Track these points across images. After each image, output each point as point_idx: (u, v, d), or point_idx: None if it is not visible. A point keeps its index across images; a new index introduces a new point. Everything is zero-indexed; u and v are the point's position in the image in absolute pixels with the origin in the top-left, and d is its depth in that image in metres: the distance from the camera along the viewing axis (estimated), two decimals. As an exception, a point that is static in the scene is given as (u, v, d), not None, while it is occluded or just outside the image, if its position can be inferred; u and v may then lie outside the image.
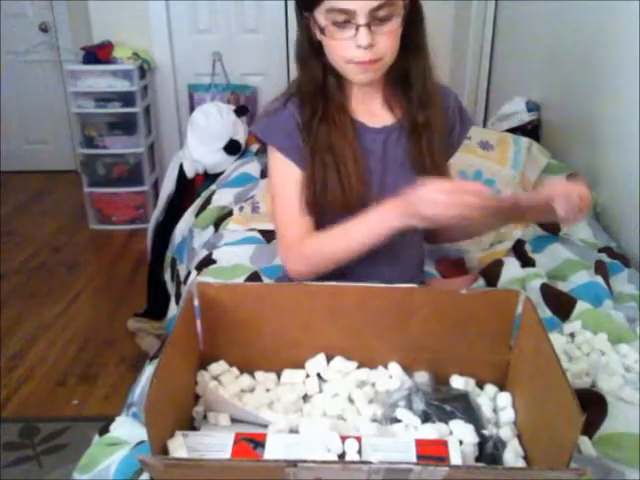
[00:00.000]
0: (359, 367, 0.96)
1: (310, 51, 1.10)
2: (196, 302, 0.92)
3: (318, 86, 1.11)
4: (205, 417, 0.90)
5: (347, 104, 1.15)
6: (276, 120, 1.15)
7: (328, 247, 1.12)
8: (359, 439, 0.77)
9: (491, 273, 1.46)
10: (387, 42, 1.03)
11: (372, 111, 1.17)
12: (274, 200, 1.19)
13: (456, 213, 0.94)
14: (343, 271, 1.13)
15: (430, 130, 1.14)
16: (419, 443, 0.78)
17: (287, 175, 1.15)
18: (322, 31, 1.04)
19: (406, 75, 1.13)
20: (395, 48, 1.06)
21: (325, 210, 1.15)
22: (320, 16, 1.03)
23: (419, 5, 1.09)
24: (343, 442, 0.76)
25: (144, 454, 0.88)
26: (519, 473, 0.73)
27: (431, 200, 0.95)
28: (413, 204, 0.98)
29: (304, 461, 0.64)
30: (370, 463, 0.64)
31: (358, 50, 1.02)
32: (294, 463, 0.64)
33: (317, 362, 0.95)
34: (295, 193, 1.14)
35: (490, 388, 0.95)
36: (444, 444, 0.78)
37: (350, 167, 1.11)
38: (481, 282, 1.48)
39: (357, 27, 0.99)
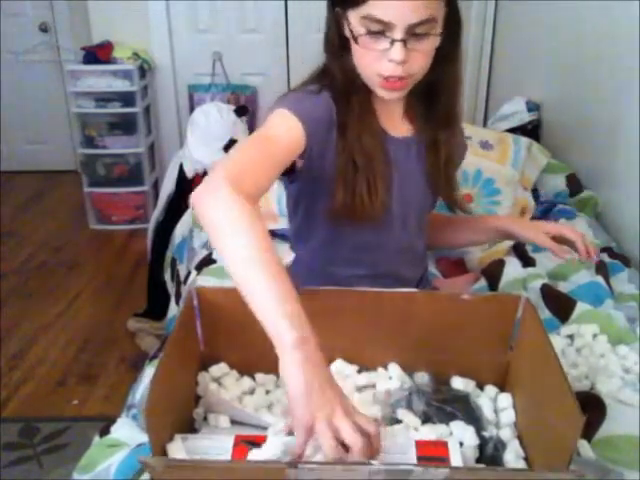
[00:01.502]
0: (360, 371, 0.96)
1: (341, 46, 1.03)
2: (195, 303, 0.92)
3: (351, 82, 1.04)
4: (205, 418, 0.90)
5: (374, 104, 1.09)
6: (311, 100, 1.03)
7: (226, 236, 0.81)
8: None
9: (492, 273, 1.47)
10: (420, 60, 0.97)
11: (393, 120, 1.13)
12: (242, 143, 1.04)
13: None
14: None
15: (450, 147, 1.12)
16: (419, 444, 0.78)
17: (289, 130, 0.97)
18: (354, 37, 0.97)
19: (433, 88, 1.07)
20: (427, 66, 1.00)
21: (344, 218, 1.08)
22: (354, 19, 0.96)
23: (459, 18, 1.03)
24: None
25: (144, 455, 0.88)
26: (519, 474, 0.73)
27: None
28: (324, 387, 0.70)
29: (305, 462, 0.64)
30: (370, 464, 0.64)
31: (389, 64, 0.95)
32: (295, 464, 0.64)
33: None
34: (277, 142, 0.94)
35: (490, 389, 0.95)
36: (444, 445, 0.78)
37: (379, 172, 1.06)
38: (482, 281, 1.48)
39: (392, 41, 0.93)
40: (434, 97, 1.09)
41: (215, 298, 0.93)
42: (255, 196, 0.87)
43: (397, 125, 1.13)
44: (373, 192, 1.05)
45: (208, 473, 0.68)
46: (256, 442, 0.77)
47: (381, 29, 0.94)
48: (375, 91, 1.03)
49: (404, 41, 0.93)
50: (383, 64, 0.96)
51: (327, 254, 1.19)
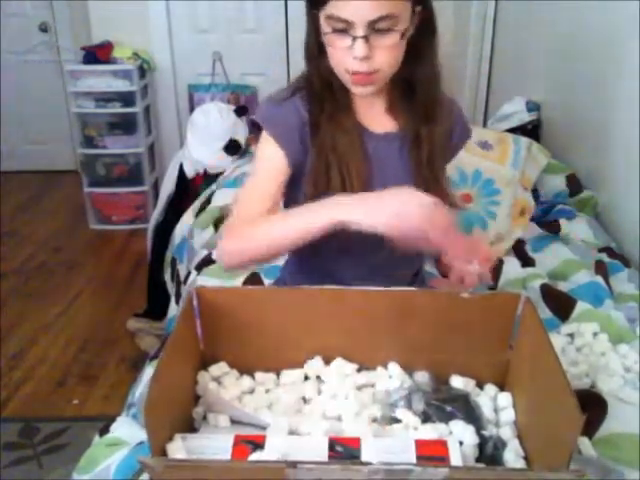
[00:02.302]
0: (359, 370, 0.96)
1: (318, 47, 1.07)
2: (195, 303, 0.92)
3: (326, 83, 1.09)
4: (205, 418, 0.90)
5: (352, 105, 1.12)
6: (280, 110, 1.12)
7: (263, 229, 1.03)
8: (358, 440, 0.77)
9: (492, 273, 1.47)
10: (385, 55, 1.00)
11: (375, 116, 1.14)
12: (247, 179, 1.15)
13: (423, 229, 0.89)
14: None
15: (432, 143, 1.12)
16: (419, 444, 0.78)
17: (271, 161, 1.09)
18: (320, 35, 1.02)
19: (411, 82, 1.10)
20: (395, 61, 1.03)
21: None
22: (322, 19, 1.01)
23: (431, 17, 1.06)
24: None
25: (144, 455, 0.88)
26: (518, 474, 0.73)
27: (417, 203, 0.91)
28: (380, 199, 0.93)
29: (304, 462, 0.64)
30: (370, 464, 0.64)
31: (354, 61, 0.99)
32: (294, 464, 0.64)
33: (315, 365, 0.95)
34: (269, 180, 1.09)
35: (490, 388, 0.95)
36: (444, 444, 0.78)
37: (353, 171, 1.09)
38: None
39: (354, 38, 0.97)
40: (413, 93, 1.11)
41: (215, 298, 0.93)
42: None
43: (379, 121, 1.14)
44: (348, 188, 1.08)
45: (208, 473, 0.68)
46: (256, 442, 0.77)
47: (344, 27, 0.97)
48: (350, 88, 1.06)
49: (366, 37, 0.96)
50: (349, 61, 1.00)
51: (314, 250, 1.21)
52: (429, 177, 1.13)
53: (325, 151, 1.08)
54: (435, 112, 1.11)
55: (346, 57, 1.00)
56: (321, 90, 1.09)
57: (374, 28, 0.96)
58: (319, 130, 1.08)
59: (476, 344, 0.94)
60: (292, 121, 1.09)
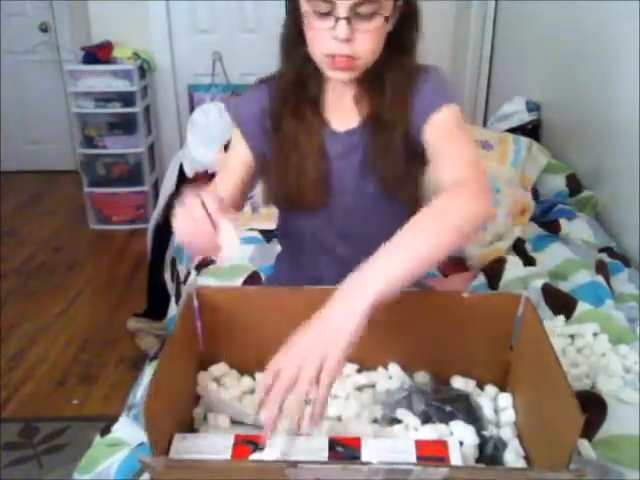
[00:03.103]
0: (360, 370, 0.95)
1: (295, 37, 1.07)
2: (195, 303, 0.92)
3: (297, 75, 1.09)
4: (205, 418, 0.90)
5: (320, 99, 1.13)
6: (246, 99, 1.20)
7: None
8: (358, 440, 0.77)
9: (493, 271, 1.47)
10: (367, 40, 0.99)
11: (342, 108, 1.13)
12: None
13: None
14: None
15: (394, 131, 1.08)
16: (419, 444, 0.78)
17: (234, 149, 1.16)
18: (303, 18, 1.01)
19: (383, 74, 1.08)
20: (375, 49, 1.02)
21: (283, 205, 1.18)
22: (304, 3, 1.00)
23: (415, 9, 1.05)
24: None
25: (145, 455, 0.88)
26: (518, 474, 0.73)
27: None
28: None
29: (304, 462, 0.64)
30: (370, 464, 0.64)
31: (336, 43, 0.98)
32: (294, 464, 0.64)
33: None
34: (231, 169, 1.14)
35: (490, 389, 0.95)
36: (444, 445, 0.78)
37: (310, 168, 1.09)
38: (482, 280, 1.48)
39: (337, 19, 0.97)
40: (382, 86, 1.09)
41: (215, 298, 0.93)
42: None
43: (344, 115, 1.13)
44: (302, 186, 1.10)
45: (208, 473, 0.68)
46: (256, 442, 0.77)
47: (327, 9, 0.97)
48: (326, 74, 1.06)
49: (348, 19, 0.96)
50: (330, 43, 0.99)
51: (291, 243, 1.24)
52: (391, 167, 1.09)
53: (286, 147, 1.09)
54: (401, 100, 1.08)
55: (326, 40, 0.99)
56: (291, 81, 1.10)
57: (356, 12, 0.97)
58: (281, 124, 1.10)
59: (476, 344, 0.94)
60: (254, 110, 1.13)
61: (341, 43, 0.98)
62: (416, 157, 1.08)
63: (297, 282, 1.08)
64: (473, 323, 0.93)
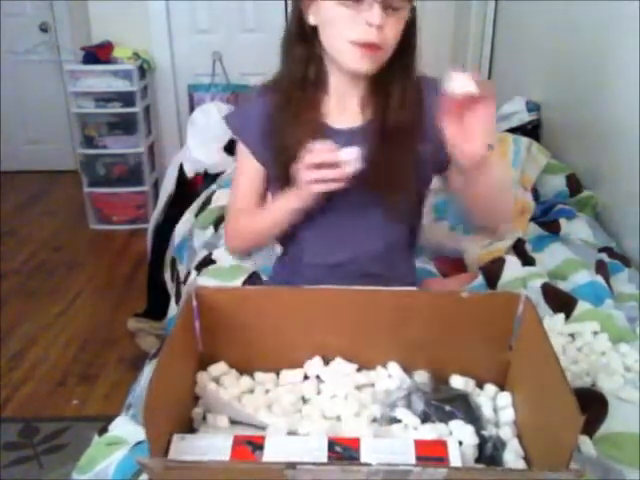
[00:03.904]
0: (359, 370, 0.95)
1: (298, 37, 1.08)
2: (195, 303, 0.92)
3: (298, 75, 1.10)
4: (204, 418, 0.90)
5: (321, 100, 1.13)
6: (245, 110, 1.22)
7: (256, 222, 1.21)
8: (358, 440, 0.77)
9: (492, 271, 1.46)
10: (393, 30, 1.02)
11: (345, 109, 1.14)
12: (232, 185, 1.28)
13: (307, 177, 1.01)
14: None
15: (401, 133, 1.10)
16: (418, 444, 0.78)
17: (245, 166, 1.21)
18: (325, 9, 1.02)
19: (389, 75, 1.10)
20: (396, 41, 1.04)
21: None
22: None
23: (415, 17, 1.09)
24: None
25: (143, 454, 0.88)
26: (518, 474, 0.73)
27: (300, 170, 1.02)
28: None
29: (303, 463, 0.64)
30: (369, 465, 0.64)
31: (365, 29, 0.99)
32: (293, 465, 0.64)
33: (314, 364, 0.95)
34: (247, 185, 1.21)
35: (490, 388, 0.94)
36: (443, 445, 0.78)
37: None
38: (480, 280, 1.47)
39: (371, 4, 0.98)
40: (387, 86, 1.11)
41: (215, 298, 0.93)
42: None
43: (349, 114, 1.14)
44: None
45: (206, 473, 0.68)
46: (255, 442, 0.77)
47: None
48: (347, 66, 1.06)
49: (382, 4, 0.98)
50: (360, 29, 1.00)
51: (298, 244, 1.24)
52: (396, 169, 1.11)
53: (287, 151, 1.09)
54: (407, 102, 1.10)
55: (356, 26, 1.00)
56: (291, 81, 1.11)
57: (388, 3, 0.99)
58: (284, 128, 1.11)
59: (476, 344, 0.94)
60: (257, 117, 1.14)
61: (373, 30, 0.99)
62: (420, 164, 1.12)
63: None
64: (472, 322, 0.93)
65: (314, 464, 0.65)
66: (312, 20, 1.06)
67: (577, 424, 0.67)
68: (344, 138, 1.10)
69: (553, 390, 0.76)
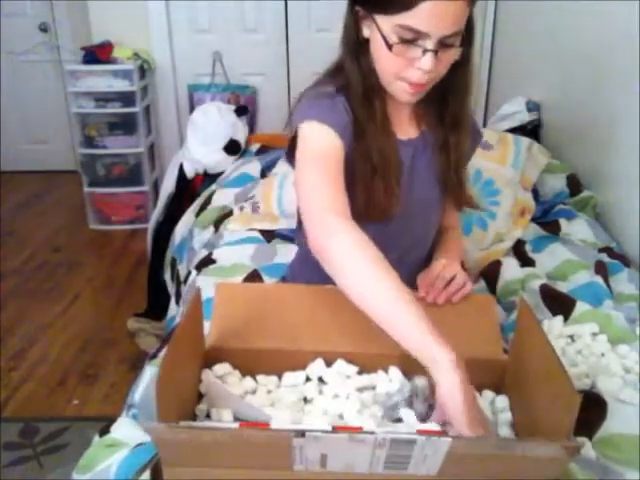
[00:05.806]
0: (360, 372, 0.95)
1: (359, 46, 1.03)
2: (204, 297, 0.91)
3: (369, 84, 1.04)
4: (208, 415, 0.90)
5: (387, 110, 1.09)
6: (331, 107, 1.03)
7: (366, 282, 0.87)
8: (361, 429, 0.76)
9: (491, 274, 1.47)
10: (443, 68, 0.99)
11: (401, 120, 1.13)
12: (302, 172, 0.99)
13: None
14: None
15: (460, 149, 1.12)
16: (421, 432, 0.77)
17: (330, 146, 0.99)
18: (387, 44, 0.96)
19: (445, 91, 1.07)
20: (447, 69, 1.01)
21: (361, 220, 0.98)
22: (386, 26, 0.95)
23: (473, 25, 1.02)
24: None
25: (145, 456, 0.88)
26: (518, 446, 0.71)
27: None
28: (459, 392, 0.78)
29: (312, 430, 0.64)
30: (375, 434, 0.64)
31: (417, 72, 0.96)
32: (302, 433, 0.63)
33: (316, 367, 0.95)
34: (335, 165, 0.98)
35: (488, 392, 0.95)
36: (445, 434, 0.78)
37: (394, 174, 1.07)
38: (482, 283, 1.48)
39: (425, 51, 0.93)
40: (444, 100, 1.09)
41: (230, 295, 0.92)
42: (349, 214, 0.93)
43: (404, 127, 1.13)
44: (390, 194, 1.07)
45: (216, 437, 0.65)
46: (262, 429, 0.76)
47: (414, 37, 0.93)
48: (394, 94, 1.04)
49: (436, 52, 0.94)
50: (410, 71, 0.97)
51: None
52: (455, 182, 1.15)
53: (371, 156, 1.05)
54: (464, 119, 1.10)
55: (408, 67, 0.97)
56: (364, 92, 1.04)
57: (443, 43, 0.94)
58: (365, 134, 1.05)
59: (474, 347, 0.93)
60: (345, 119, 1.03)
61: (424, 74, 0.96)
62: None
63: None
64: (471, 325, 0.93)
65: (323, 431, 0.64)
66: (366, 34, 1.01)
67: (574, 407, 0.67)
68: (409, 149, 1.12)
69: (553, 389, 0.76)
